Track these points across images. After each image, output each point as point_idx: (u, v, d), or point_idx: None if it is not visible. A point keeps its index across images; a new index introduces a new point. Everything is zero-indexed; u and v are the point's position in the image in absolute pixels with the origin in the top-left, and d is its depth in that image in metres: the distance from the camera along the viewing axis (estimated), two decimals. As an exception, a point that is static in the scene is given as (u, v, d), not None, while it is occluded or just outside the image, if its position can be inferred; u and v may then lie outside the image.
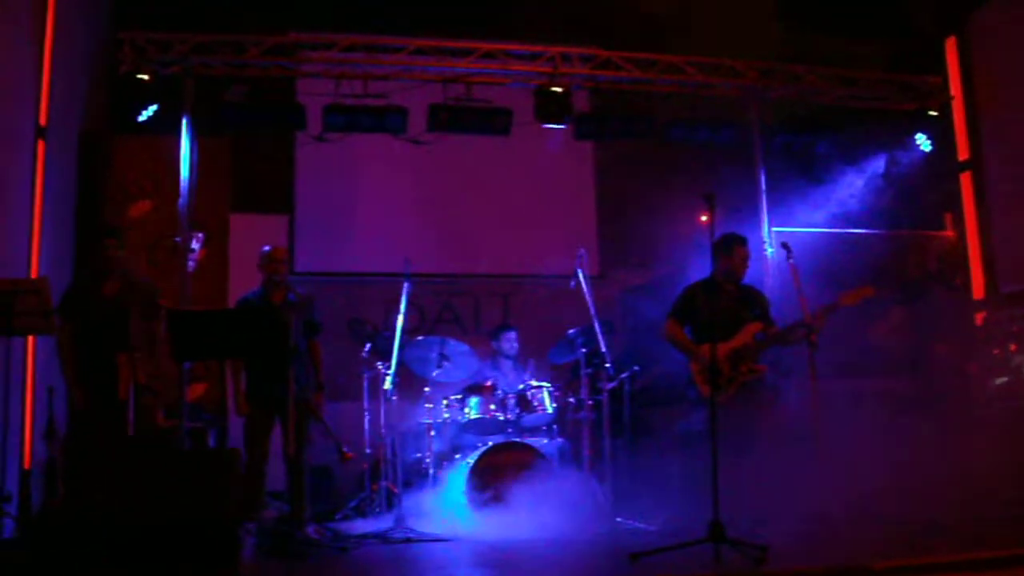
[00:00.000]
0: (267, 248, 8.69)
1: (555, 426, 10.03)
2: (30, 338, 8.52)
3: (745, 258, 8.69)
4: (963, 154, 11.68)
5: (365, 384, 9.95)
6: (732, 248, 8.62)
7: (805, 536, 7.18)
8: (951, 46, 11.94)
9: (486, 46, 10.62)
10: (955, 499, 7.77)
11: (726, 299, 8.52)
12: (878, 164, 11.24)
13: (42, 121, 9.00)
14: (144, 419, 8.11)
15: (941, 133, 11.41)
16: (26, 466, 8.60)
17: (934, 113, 11.23)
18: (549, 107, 10.57)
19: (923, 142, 11.17)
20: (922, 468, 8.06)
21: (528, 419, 9.84)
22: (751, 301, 8.72)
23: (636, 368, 10.30)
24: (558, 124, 10.67)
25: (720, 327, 8.26)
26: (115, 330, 7.98)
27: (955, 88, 11.69)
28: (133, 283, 8.31)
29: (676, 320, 8.70)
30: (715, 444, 6.66)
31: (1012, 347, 9.41)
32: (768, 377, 8.50)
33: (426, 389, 9.92)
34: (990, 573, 6.04)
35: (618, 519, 9.13)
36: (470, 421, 9.75)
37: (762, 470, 7.45)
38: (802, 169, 11.37)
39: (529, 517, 9.04)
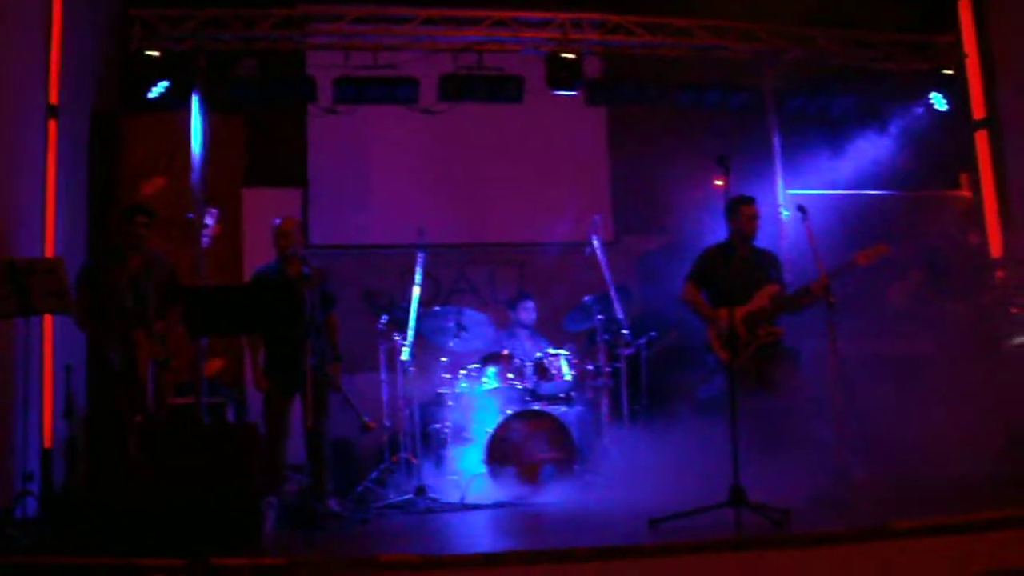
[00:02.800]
0: (276, 221, 8.70)
1: (573, 393, 10.01)
2: (47, 318, 8.55)
3: (752, 217, 8.69)
4: (979, 112, 11.57)
5: (382, 355, 9.93)
6: (738, 209, 8.65)
7: (826, 497, 7.16)
8: (965, 4, 11.83)
9: (496, 14, 10.55)
10: (976, 459, 7.75)
11: (741, 262, 8.51)
12: (893, 125, 11.16)
13: (53, 100, 9.01)
14: (163, 396, 8.15)
15: (956, 92, 11.32)
16: (47, 445, 8.66)
17: (949, 72, 11.15)
18: (560, 74, 10.52)
19: (938, 101, 11.09)
20: (942, 428, 8.04)
21: (546, 387, 9.84)
22: (766, 264, 8.71)
23: (653, 334, 10.30)
24: (569, 91, 10.61)
25: (736, 291, 8.24)
26: (135, 307, 7.99)
27: (969, 46, 11.57)
28: (154, 261, 8.33)
29: (693, 284, 8.73)
30: (735, 408, 6.65)
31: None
32: (786, 339, 8.49)
33: (443, 359, 9.94)
34: (1012, 531, 6.03)
35: (638, 485, 9.15)
36: (488, 390, 9.75)
37: (780, 432, 7.44)
38: (816, 131, 11.30)
39: (548, 485, 9.08)
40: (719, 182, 7.30)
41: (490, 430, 9.26)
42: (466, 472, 9.33)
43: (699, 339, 9.00)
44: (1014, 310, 9.19)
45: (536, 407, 9.57)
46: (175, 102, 9.96)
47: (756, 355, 8.33)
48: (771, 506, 6.38)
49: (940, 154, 11.65)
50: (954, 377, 8.36)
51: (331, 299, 8.82)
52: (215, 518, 6.64)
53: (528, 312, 10.66)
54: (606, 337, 9.98)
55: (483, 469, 9.19)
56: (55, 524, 7.53)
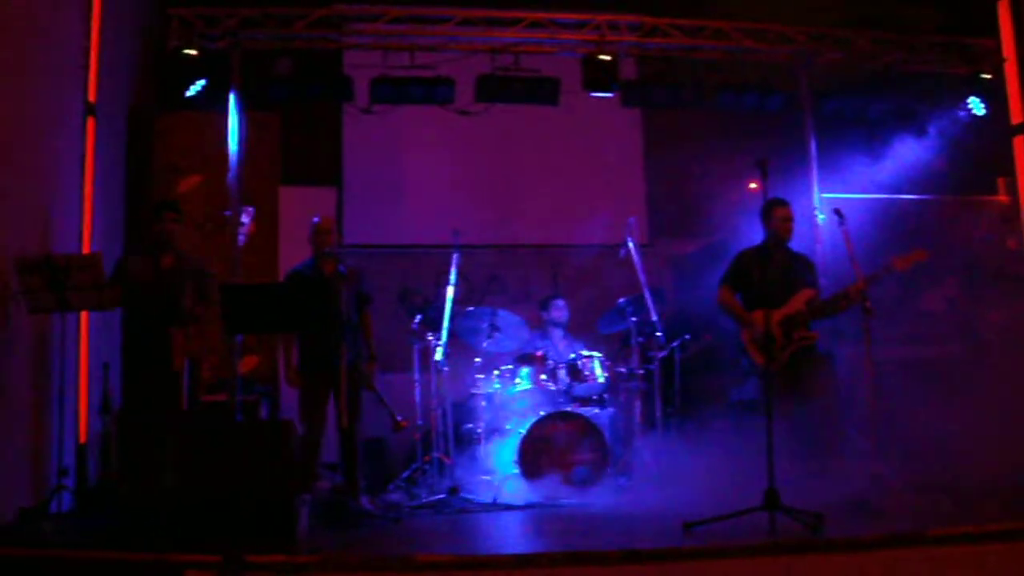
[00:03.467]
0: (315, 220, 8.74)
1: (606, 395, 10.00)
2: (84, 314, 8.60)
3: (786, 219, 8.64)
4: (1017, 117, 11.49)
5: (416, 355, 9.94)
6: (772, 211, 8.61)
7: (860, 503, 7.13)
8: (1004, 7, 11.74)
9: (533, 15, 10.54)
10: (1012, 466, 7.69)
11: (777, 265, 8.46)
12: (930, 128, 11.09)
13: (92, 98, 9.06)
14: (197, 393, 8.20)
15: (995, 96, 11.24)
16: (82, 440, 8.71)
17: (987, 76, 11.06)
18: (596, 75, 10.49)
19: (976, 105, 11.01)
20: (976, 435, 7.99)
21: (579, 389, 9.84)
22: (801, 267, 8.67)
23: (687, 336, 10.28)
24: (606, 92, 10.58)
25: (772, 294, 8.21)
26: (169, 304, 8.03)
27: (1008, 50, 11.50)
28: (186, 259, 8.38)
29: (728, 287, 8.69)
30: (770, 412, 6.63)
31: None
32: (821, 344, 8.45)
33: (477, 359, 9.95)
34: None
35: (671, 488, 9.13)
36: (521, 391, 9.75)
37: (814, 436, 7.40)
38: (853, 135, 11.25)
39: (581, 486, 9.07)
40: (754, 185, 7.28)
41: (523, 431, 9.26)
42: (498, 472, 9.34)
43: (732, 342, 8.97)
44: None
45: (569, 408, 9.56)
46: (212, 101, 10.00)
47: (791, 359, 8.29)
48: (806, 511, 6.35)
49: (977, 158, 11.57)
50: (989, 383, 8.30)
51: (366, 298, 8.85)
52: (249, 515, 6.66)
53: (560, 311, 10.63)
54: (640, 340, 9.96)
55: (515, 470, 9.19)
56: (89, 519, 7.58)
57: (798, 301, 8.37)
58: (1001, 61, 11.31)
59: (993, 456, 7.77)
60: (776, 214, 8.60)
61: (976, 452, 7.90)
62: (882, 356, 8.09)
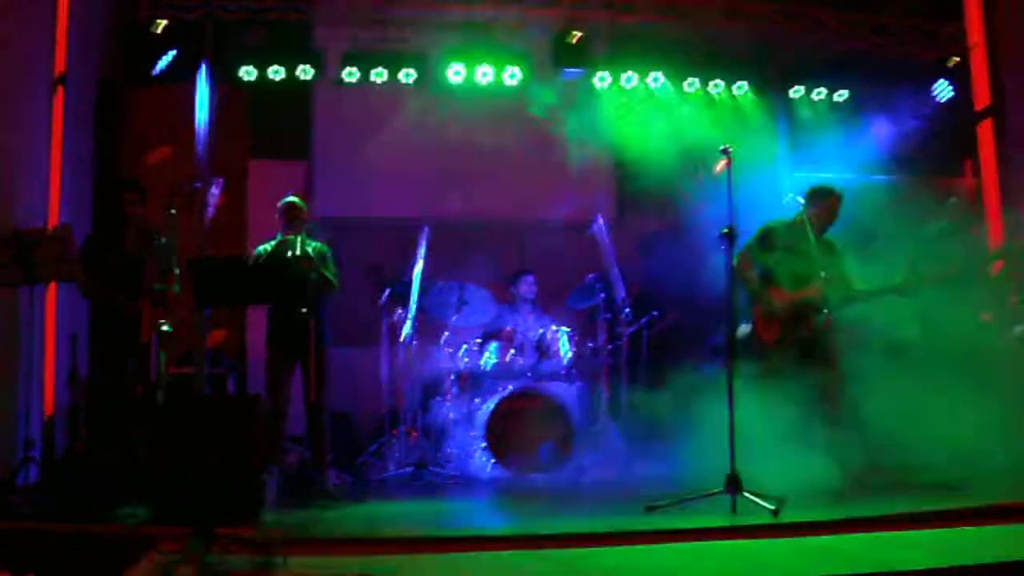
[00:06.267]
0: (286, 199, 8.71)
1: (573, 372, 10.05)
2: (51, 287, 8.58)
3: (836, 212, 8.36)
4: (983, 101, 11.58)
5: (384, 329, 9.97)
6: (828, 198, 8.33)
7: (824, 487, 7.20)
8: (972, -8, 11.84)
9: (504, -9, 10.56)
10: (975, 450, 7.77)
11: (807, 247, 8.18)
12: (899, 111, 11.16)
13: (60, 69, 9.00)
14: (163, 366, 8.20)
15: (962, 79, 11.31)
16: (48, 412, 8.70)
17: (956, 59, 11.12)
18: (567, 52, 10.51)
19: (944, 89, 11.07)
20: (942, 419, 8.06)
21: (546, 365, 9.87)
22: (831, 254, 8.39)
23: (655, 313, 10.34)
24: (576, 69, 10.60)
25: (795, 274, 8.09)
26: (133, 282, 8.03)
27: (976, 35, 11.57)
28: (151, 236, 8.33)
29: (749, 258, 8.25)
30: (731, 394, 6.69)
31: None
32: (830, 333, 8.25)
33: (445, 334, 9.98)
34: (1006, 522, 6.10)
35: (636, 464, 9.23)
36: (488, 367, 9.79)
37: (797, 420, 7.39)
38: (822, 116, 11.30)
39: (547, 463, 9.14)
40: (721, 165, 7.26)
41: (490, 407, 9.31)
42: (465, 447, 9.40)
43: (701, 320, 8.98)
44: (1013, 301, 9.18)
45: (536, 385, 9.61)
46: (182, 73, 9.96)
47: (796, 344, 8.12)
48: (767, 494, 6.42)
49: (945, 140, 11.64)
50: (954, 368, 8.37)
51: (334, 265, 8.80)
52: (217, 488, 6.68)
53: (529, 286, 10.60)
54: (607, 316, 10.01)
55: (482, 445, 9.25)
56: (57, 491, 7.59)
57: (815, 287, 8.11)
58: (970, 46, 11.37)
59: (956, 440, 7.84)
60: (831, 202, 8.36)
61: (940, 437, 7.98)
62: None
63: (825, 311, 7.92)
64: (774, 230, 8.23)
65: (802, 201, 8.05)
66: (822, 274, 7.84)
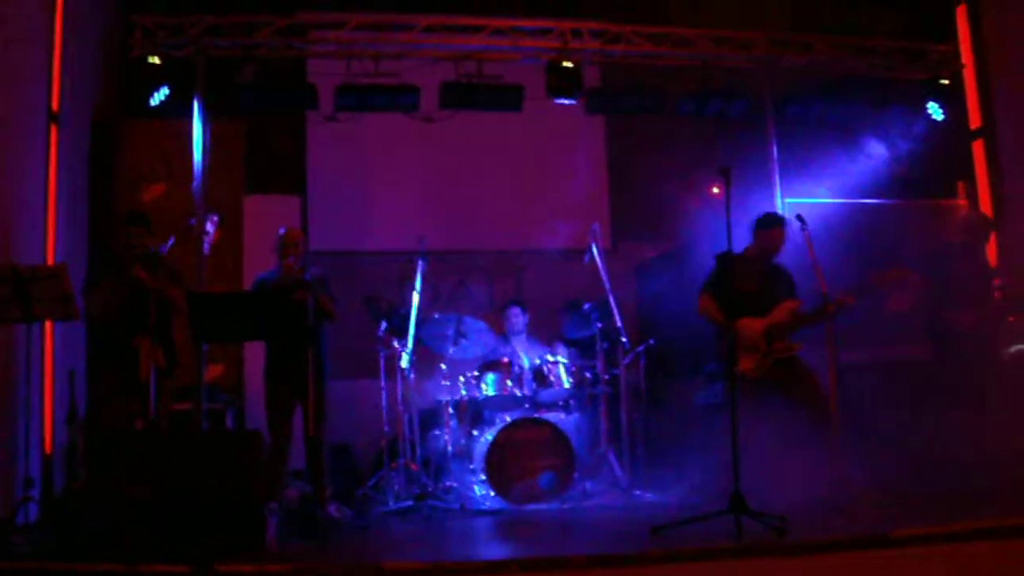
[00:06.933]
0: (282, 230, 8.75)
1: (572, 401, 10.04)
2: (49, 323, 8.56)
3: (783, 240, 8.59)
4: (975, 122, 11.64)
5: (382, 362, 9.94)
6: (771, 229, 8.58)
7: (827, 506, 7.18)
8: (962, 14, 11.89)
9: (496, 22, 10.55)
10: (974, 468, 7.77)
11: (759, 275, 8.43)
12: (891, 133, 11.17)
13: (54, 107, 9.03)
14: (164, 402, 8.17)
15: (953, 101, 11.34)
16: (48, 450, 8.67)
17: (945, 82, 11.16)
18: (560, 82, 10.50)
19: (935, 111, 11.09)
20: (940, 438, 8.07)
21: (545, 394, 9.88)
22: (784, 279, 8.61)
23: (651, 341, 10.33)
24: (569, 99, 10.61)
25: (754, 303, 8.21)
26: (137, 315, 8.00)
27: (966, 56, 11.63)
28: (155, 271, 8.32)
29: (710, 294, 8.51)
30: (735, 416, 6.68)
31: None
32: (803, 355, 8.37)
33: (443, 366, 9.97)
34: (1012, 541, 6.06)
35: (637, 492, 9.20)
36: (487, 398, 9.78)
37: (788, 442, 7.41)
38: (815, 140, 11.31)
39: (548, 492, 9.11)
40: (716, 190, 7.29)
41: (489, 437, 9.30)
42: (465, 479, 9.37)
43: (698, 346, 8.98)
44: (1011, 319, 9.20)
45: (535, 414, 9.60)
46: (176, 109, 9.95)
47: (776, 367, 8.22)
48: (771, 514, 6.41)
49: (938, 163, 11.67)
50: (954, 385, 8.38)
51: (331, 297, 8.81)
52: (218, 524, 6.66)
53: (516, 318, 10.61)
54: (605, 345, 10.00)
55: (482, 476, 9.22)
56: (57, 530, 7.53)
57: (781, 311, 8.29)
58: (959, 67, 11.42)
59: (958, 458, 7.85)
60: (775, 233, 8.54)
61: (941, 454, 7.98)
62: (846, 359, 8.16)
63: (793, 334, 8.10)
64: (726, 263, 8.32)
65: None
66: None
